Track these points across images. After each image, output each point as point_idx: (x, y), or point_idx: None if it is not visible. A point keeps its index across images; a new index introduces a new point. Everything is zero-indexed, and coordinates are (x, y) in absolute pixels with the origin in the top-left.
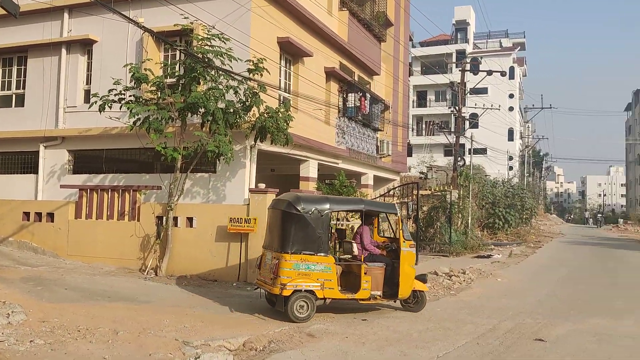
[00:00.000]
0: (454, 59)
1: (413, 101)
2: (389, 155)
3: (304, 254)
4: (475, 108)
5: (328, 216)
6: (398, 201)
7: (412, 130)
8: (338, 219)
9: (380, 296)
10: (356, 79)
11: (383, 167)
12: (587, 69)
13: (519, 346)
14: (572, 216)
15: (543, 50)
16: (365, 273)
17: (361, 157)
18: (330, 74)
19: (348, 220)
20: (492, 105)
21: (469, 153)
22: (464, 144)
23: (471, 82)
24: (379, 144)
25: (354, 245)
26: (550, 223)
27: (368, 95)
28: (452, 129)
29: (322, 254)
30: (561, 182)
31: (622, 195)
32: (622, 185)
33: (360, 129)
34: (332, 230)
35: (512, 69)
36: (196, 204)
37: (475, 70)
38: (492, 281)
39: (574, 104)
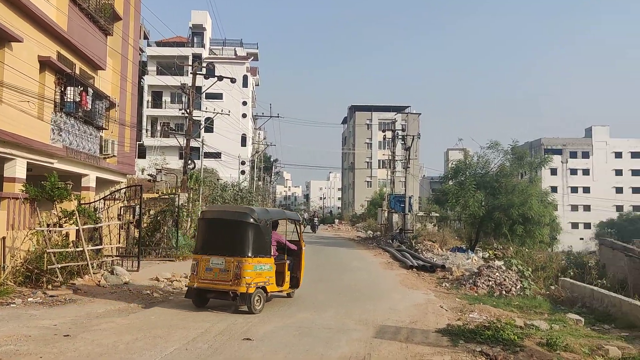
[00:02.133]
0: (190, 62)
1: (148, 101)
2: (114, 155)
3: (259, 257)
4: (207, 112)
5: (271, 224)
6: (122, 204)
7: (146, 132)
8: None
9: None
10: (77, 72)
11: (107, 169)
12: (317, 83)
13: (227, 347)
14: None
15: (275, 61)
16: (288, 270)
17: (81, 157)
18: (45, 64)
19: None
20: (228, 111)
21: (203, 157)
22: (198, 148)
23: (207, 87)
24: (103, 144)
25: (288, 244)
26: None
27: (91, 91)
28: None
29: (269, 256)
30: (289, 186)
31: (339, 198)
32: (339, 189)
33: (81, 126)
34: None
35: (245, 77)
36: None
37: (207, 75)
38: None
39: (303, 114)
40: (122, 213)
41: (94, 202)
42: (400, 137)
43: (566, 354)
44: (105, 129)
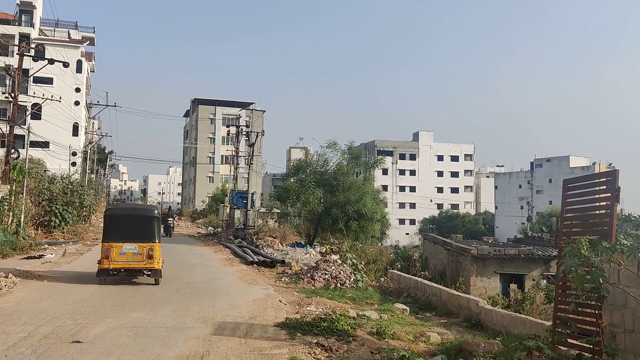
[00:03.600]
0: (16, 42)
1: None
2: None
3: (160, 242)
4: (34, 97)
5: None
6: None
7: None
8: None
9: None
10: None
11: None
12: (159, 74)
13: (55, 351)
14: None
15: (114, 47)
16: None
17: None
18: None
19: None
20: (59, 98)
21: (29, 146)
22: (24, 136)
23: (36, 71)
24: None
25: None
26: None
27: None
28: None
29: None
30: (125, 180)
31: (179, 194)
32: (179, 184)
33: None
34: None
35: (79, 62)
36: None
37: (37, 56)
38: (38, 283)
39: (143, 106)
40: None
41: None
42: (244, 133)
43: (394, 342)
44: None
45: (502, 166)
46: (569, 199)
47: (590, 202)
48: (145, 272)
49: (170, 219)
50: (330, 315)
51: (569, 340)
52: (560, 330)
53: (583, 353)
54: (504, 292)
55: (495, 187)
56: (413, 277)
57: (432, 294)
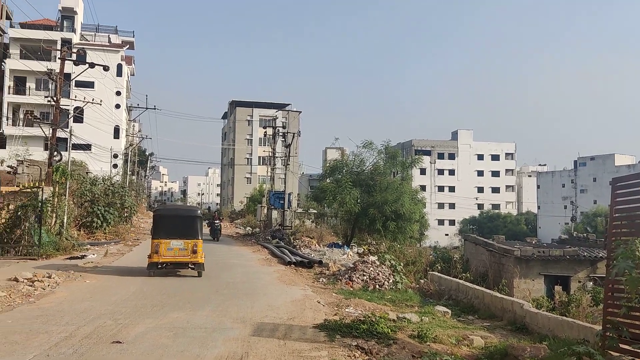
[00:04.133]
0: (58, 47)
1: (10, 87)
2: None
3: (202, 239)
4: (76, 100)
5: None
6: None
7: (7, 120)
8: None
9: None
10: None
11: None
12: (197, 77)
13: (95, 352)
14: None
15: (153, 52)
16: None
17: None
18: None
19: None
20: (100, 101)
21: (72, 148)
22: (66, 139)
23: (77, 75)
24: None
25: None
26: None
27: None
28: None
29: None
30: (165, 182)
31: (217, 195)
32: (217, 185)
33: None
34: None
35: (120, 66)
36: None
37: (78, 61)
38: (80, 283)
39: (182, 108)
40: None
41: None
42: (280, 134)
43: (435, 345)
44: None
45: (545, 165)
46: (618, 198)
47: None
48: (190, 265)
49: (217, 222)
50: (369, 317)
51: (621, 345)
52: (610, 334)
53: (636, 359)
54: (549, 294)
55: (538, 187)
56: (454, 279)
57: (474, 296)
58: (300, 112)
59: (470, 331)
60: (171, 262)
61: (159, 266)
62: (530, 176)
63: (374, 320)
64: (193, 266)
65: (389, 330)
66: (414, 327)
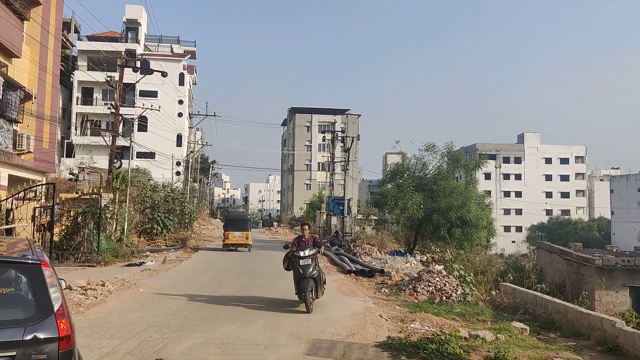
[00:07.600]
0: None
1: (78, 98)
2: (30, 152)
3: (251, 230)
4: (138, 107)
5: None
6: (37, 205)
7: (76, 129)
8: None
9: None
10: None
11: (22, 166)
12: (257, 84)
13: None
14: None
15: (214, 62)
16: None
17: None
18: None
19: None
20: (159, 107)
21: (136, 156)
22: (129, 148)
23: (141, 85)
24: (17, 138)
25: None
26: (213, 227)
27: (1, 79)
28: (120, 131)
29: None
30: (227, 189)
31: (278, 201)
32: (278, 191)
33: None
34: None
35: (182, 75)
36: None
37: (138, 68)
38: (133, 292)
39: (242, 115)
40: (37, 214)
41: (4, 199)
42: (339, 138)
43: None
44: (20, 122)
45: (618, 168)
46: None
47: None
48: (245, 246)
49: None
50: (438, 335)
51: None
52: None
53: None
54: (635, 307)
55: (611, 191)
56: (531, 291)
57: (555, 311)
58: (359, 115)
59: (555, 352)
60: (234, 244)
61: (230, 247)
62: (602, 180)
63: (443, 338)
64: (246, 246)
65: (461, 350)
66: (490, 347)
